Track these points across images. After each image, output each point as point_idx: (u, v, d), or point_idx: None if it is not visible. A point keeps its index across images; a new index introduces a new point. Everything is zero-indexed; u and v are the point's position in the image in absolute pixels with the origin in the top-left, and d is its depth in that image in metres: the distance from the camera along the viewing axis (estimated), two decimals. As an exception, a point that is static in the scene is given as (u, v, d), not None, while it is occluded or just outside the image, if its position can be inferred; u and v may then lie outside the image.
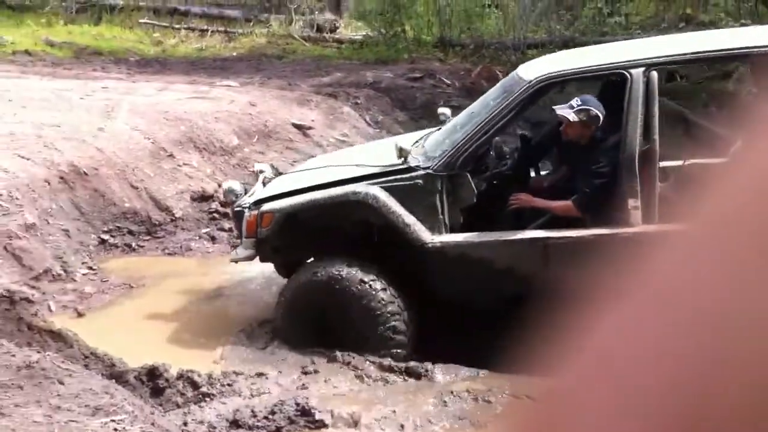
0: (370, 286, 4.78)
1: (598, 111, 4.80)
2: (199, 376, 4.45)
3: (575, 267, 3.92)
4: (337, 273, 4.86)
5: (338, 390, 4.43)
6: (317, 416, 4.02)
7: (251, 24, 16.01)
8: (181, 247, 6.90)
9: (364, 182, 4.88)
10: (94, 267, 6.24)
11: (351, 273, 4.83)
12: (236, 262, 5.34)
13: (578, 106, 4.87)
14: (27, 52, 12.54)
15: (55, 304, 5.36)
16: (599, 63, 4.90)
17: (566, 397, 0.40)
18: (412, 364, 4.62)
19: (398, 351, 4.73)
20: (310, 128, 9.72)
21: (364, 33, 15.20)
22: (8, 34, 13.21)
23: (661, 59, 4.76)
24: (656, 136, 4.51)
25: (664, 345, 0.36)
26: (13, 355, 3.78)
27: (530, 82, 4.79)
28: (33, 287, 5.28)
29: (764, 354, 0.33)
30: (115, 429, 3.34)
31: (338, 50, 14.89)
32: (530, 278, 4.53)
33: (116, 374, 4.45)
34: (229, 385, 4.32)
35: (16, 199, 6.17)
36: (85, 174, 6.96)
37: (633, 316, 0.39)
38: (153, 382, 4.51)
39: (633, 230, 4.45)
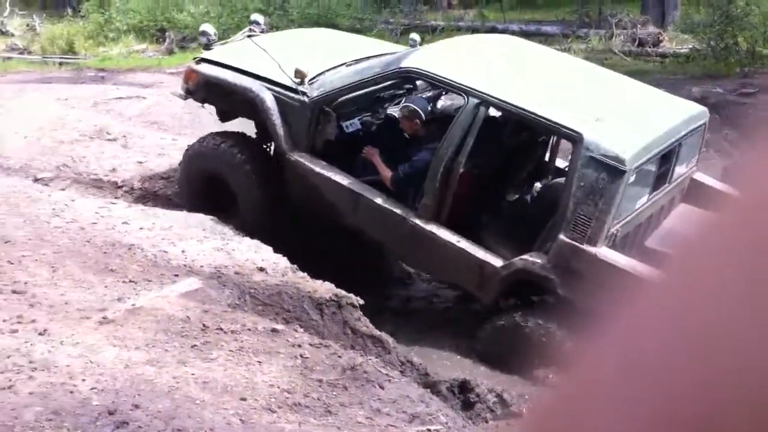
0: (242, 162, 5.94)
1: (418, 108, 5.58)
2: (510, 394, 4.40)
3: (373, 225, 5.52)
4: (216, 145, 6.08)
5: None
6: None
7: (569, 40, 15.79)
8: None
9: (266, 84, 5.84)
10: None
11: (228, 148, 6.01)
12: (174, 95, 6.83)
13: (403, 104, 5.81)
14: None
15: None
16: (449, 77, 5.31)
17: (572, 403, 0.41)
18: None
19: (256, 215, 5.94)
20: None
21: (690, 46, 14.31)
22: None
23: (497, 101, 5.15)
24: (463, 159, 5.15)
25: (670, 352, 0.37)
26: (340, 357, 3.99)
27: (399, 68, 5.55)
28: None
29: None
30: (431, 439, 3.37)
31: (661, 64, 14.17)
32: (344, 216, 5.66)
33: (430, 383, 4.53)
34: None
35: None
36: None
37: (641, 323, 0.40)
38: (464, 395, 4.54)
39: (418, 221, 5.30)
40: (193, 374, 3.64)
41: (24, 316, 4.03)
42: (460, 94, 5.35)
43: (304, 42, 7.13)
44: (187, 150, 6.37)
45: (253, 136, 6.35)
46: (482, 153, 5.34)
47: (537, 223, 5.18)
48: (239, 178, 5.99)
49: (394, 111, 6.20)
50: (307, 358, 3.94)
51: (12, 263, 4.70)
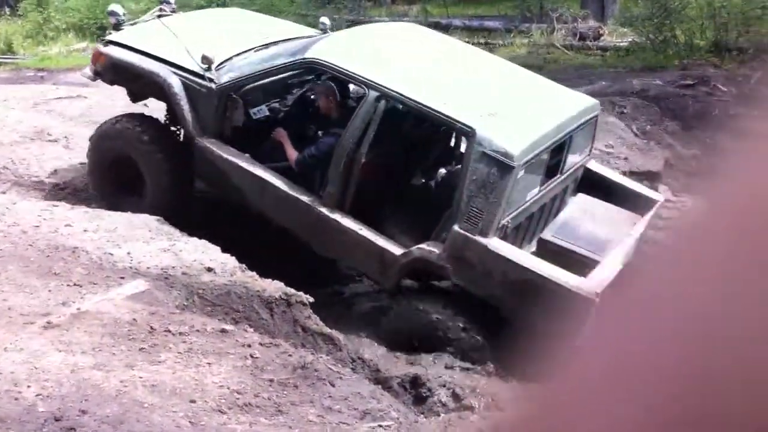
0: (152, 148, 5.99)
1: (334, 85, 5.69)
2: (461, 388, 4.44)
3: (279, 211, 5.63)
4: (123, 127, 6.12)
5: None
6: None
7: (512, 35, 15.96)
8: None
9: (173, 69, 5.90)
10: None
11: (136, 131, 6.05)
12: (83, 76, 6.74)
13: (316, 84, 6.05)
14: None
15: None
16: (350, 69, 5.42)
17: (566, 403, 0.41)
18: None
19: (166, 195, 6.00)
20: (572, 139, 9.45)
21: (630, 39, 14.58)
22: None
23: (395, 95, 5.26)
24: (365, 149, 5.28)
25: (662, 350, 0.37)
26: (290, 355, 3.99)
27: (303, 58, 5.64)
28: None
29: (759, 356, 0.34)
30: (383, 435, 3.39)
31: (602, 58, 14.40)
32: (250, 200, 5.77)
33: (381, 379, 4.56)
34: (492, 400, 4.26)
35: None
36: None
37: (633, 324, 0.40)
38: (416, 390, 4.57)
39: (323, 209, 5.41)
40: (141, 377, 3.60)
41: (-36, 323, 3.94)
42: (361, 87, 5.48)
43: (215, 23, 7.13)
44: (94, 133, 6.36)
45: (163, 118, 6.43)
46: (384, 143, 5.49)
47: (439, 210, 5.31)
48: (147, 160, 6.03)
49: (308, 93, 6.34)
50: (257, 357, 3.92)
51: (-49, 270, 4.58)
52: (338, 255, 5.66)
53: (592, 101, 5.95)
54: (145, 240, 5.24)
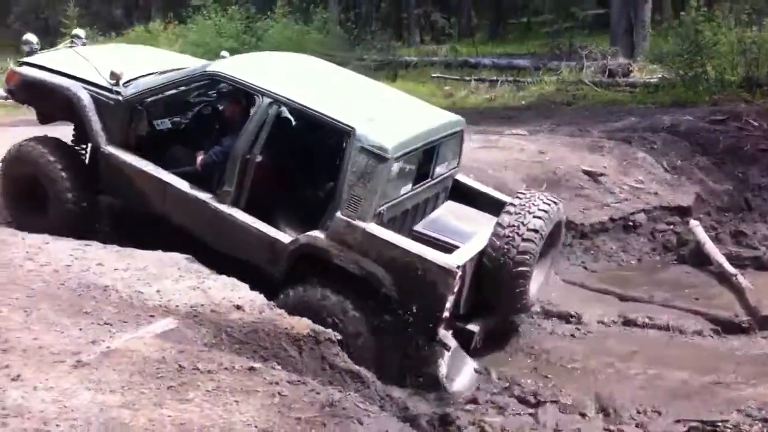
0: (54, 165, 6.37)
1: (231, 92, 6.31)
2: (492, 427, 4.39)
3: (178, 211, 6.06)
4: (28, 148, 6.50)
5: None
6: None
7: (540, 72, 16.01)
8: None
9: (83, 84, 6.37)
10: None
11: (39, 150, 6.45)
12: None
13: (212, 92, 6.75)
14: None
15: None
16: (246, 80, 6.00)
17: None
18: None
19: (69, 206, 6.37)
20: (601, 175, 9.40)
21: (660, 76, 14.55)
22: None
23: (286, 100, 5.88)
24: (258, 150, 5.84)
25: None
26: (318, 393, 3.96)
27: (204, 71, 6.26)
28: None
29: None
30: (411, 474, 3.35)
31: (631, 94, 14.39)
32: (153, 204, 6.19)
33: (410, 417, 4.51)
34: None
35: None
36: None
37: None
38: (444, 428, 4.52)
39: (220, 206, 5.87)
40: (169, 416, 3.60)
41: (-4, 361, 3.97)
42: (256, 95, 6.01)
43: (123, 54, 7.72)
44: (4, 156, 6.72)
45: (70, 140, 6.88)
46: (277, 146, 6.05)
47: (326, 207, 5.78)
48: (49, 178, 6.42)
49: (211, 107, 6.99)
50: (285, 395, 3.90)
51: (-16, 309, 4.64)
52: (232, 249, 5.92)
53: (457, 118, 6.59)
54: (175, 278, 5.27)
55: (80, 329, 4.44)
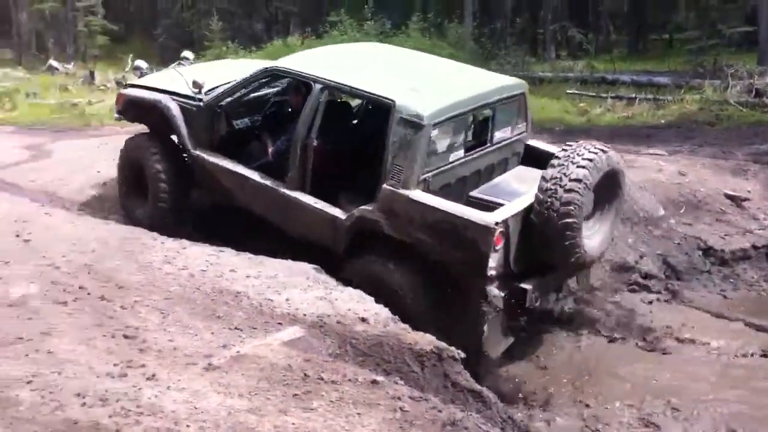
0: (154, 159, 7.19)
1: (293, 84, 6.88)
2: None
3: (255, 201, 6.62)
4: (137, 145, 7.43)
5: None
6: None
7: (682, 90, 15.41)
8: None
9: (173, 96, 7.12)
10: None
11: (144, 146, 7.34)
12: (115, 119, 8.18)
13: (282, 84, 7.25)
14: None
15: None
16: (299, 70, 6.52)
17: None
18: None
19: (162, 205, 7.19)
20: (745, 199, 8.93)
21: (814, 96, 13.71)
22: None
23: (333, 83, 6.24)
24: (314, 135, 6.22)
25: None
26: (440, 411, 3.93)
27: (265, 68, 6.78)
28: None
29: None
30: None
31: (780, 115, 13.61)
32: (237, 197, 6.79)
33: (532, 442, 4.40)
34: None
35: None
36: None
37: None
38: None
39: (287, 191, 6.33)
40: (293, 423, 3.66)
41: (134, 360, 4.16)
42: (309, 83, 6.43)
43: (219, 68, 8.50)
44: (122, 147, 7.62)
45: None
46: (332, 130, 6.41)
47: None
48: (150, 174, 7.23)
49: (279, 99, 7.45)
50: (406, 411, 3.90)
51: (125, 308, 4.87)
52: (302, 232, 6.32)
53: (515, 81, 6.72)
54: (303, 288, 5.38)
55: (212, 333, 4.60)
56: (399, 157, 5.66)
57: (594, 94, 16.14)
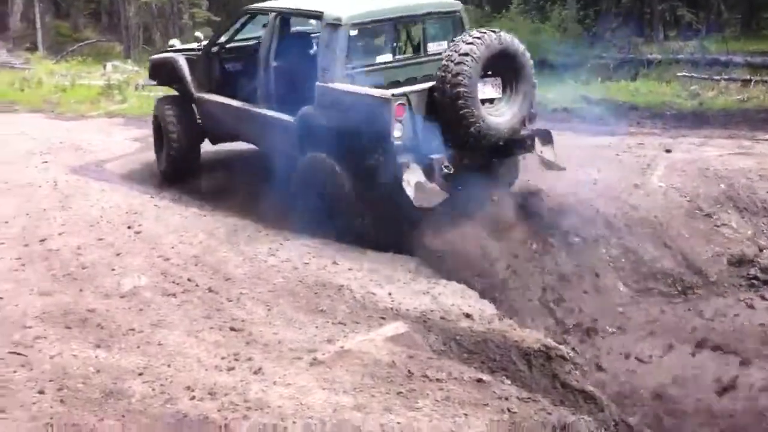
0: (168, 114, 8.33)
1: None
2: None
3: (241, 124, 7.62)
4: (159, 105, 8.63)
5: None
6: None
7: (801, 71, 14.56)
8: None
9: (182, 53, 8.35)
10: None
11: (162, 105, 8.50)
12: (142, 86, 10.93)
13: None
14: (565, 110, 13.11)
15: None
16: (264, 5, 7.66)
17: None
18: None
19: (173, 153, 8.35)
20: None
21: None
22: (549, 92, 13.97)
23: (283, 10, 7.26)
24: (271, 56, 7.05)
25: None
26: (549, 413, 3.80)
27: (245, 8, 7.87)
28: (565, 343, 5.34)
29: None
30: None
31: None
32: (234, 127, 7.77)
33: (646, 448, 4.22)
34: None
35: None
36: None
37: None
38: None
39: (255, 108, 7.20)
40: (398, 423, 3.61)
41: (240, 353, 4.19)
42: (269, 14, 7.25)
43: None
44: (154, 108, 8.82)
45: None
46: (291, 54, 7.32)
47: None
48: (165, 125, 8.32)
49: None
50: (514, 412, 3.78)
51: (231, 300, 4.93)
52: (269, 143, 7.26)
53: (450, 1, 7.27)
54: (405, 281, 5.31)
55: (316, 327, 4.60)
56: (326, 57, 6.41)
57: (706, 76, 15.43)
